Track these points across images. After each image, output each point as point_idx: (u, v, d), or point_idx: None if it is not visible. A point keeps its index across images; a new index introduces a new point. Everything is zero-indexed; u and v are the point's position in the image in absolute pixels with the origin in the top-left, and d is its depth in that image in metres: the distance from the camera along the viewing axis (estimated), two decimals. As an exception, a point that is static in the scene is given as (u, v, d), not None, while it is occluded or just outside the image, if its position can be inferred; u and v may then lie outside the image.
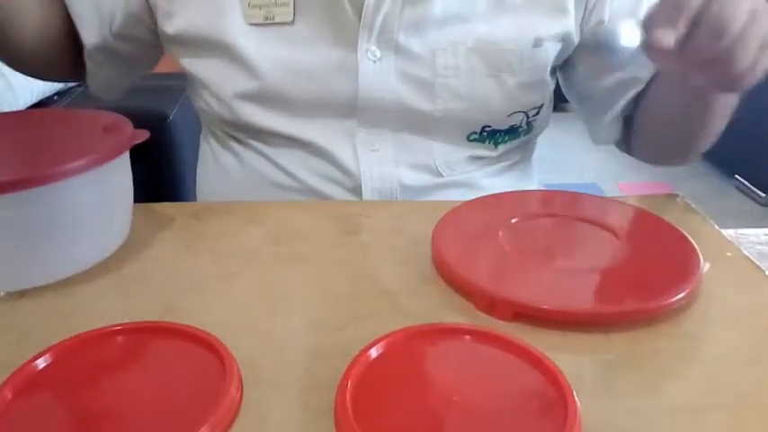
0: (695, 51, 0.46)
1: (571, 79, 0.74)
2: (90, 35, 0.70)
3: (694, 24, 0.45)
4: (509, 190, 0.74)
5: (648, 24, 0.46)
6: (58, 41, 0.70)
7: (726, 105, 0.64)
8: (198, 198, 0.80)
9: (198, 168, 0.80)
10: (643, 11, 0.61)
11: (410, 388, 0.37)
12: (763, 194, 2.54)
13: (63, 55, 0.72)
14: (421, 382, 0.38)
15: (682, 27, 0.45)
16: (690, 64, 0.48)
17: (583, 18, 0.68)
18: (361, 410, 0.35)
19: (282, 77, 0.66)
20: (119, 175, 0.53)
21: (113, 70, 0.75)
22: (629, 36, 0.49)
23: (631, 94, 0.70)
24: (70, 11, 0.69)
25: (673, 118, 0.67)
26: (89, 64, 0.73)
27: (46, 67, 0.73)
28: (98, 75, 0.75)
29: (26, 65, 0.71)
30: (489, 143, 0.72)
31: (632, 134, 0.74)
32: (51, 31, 0.68)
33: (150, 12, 0.69)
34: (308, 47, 0.65)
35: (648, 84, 0.69)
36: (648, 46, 0.46)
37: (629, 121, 0.74)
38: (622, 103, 0.71)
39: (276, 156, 0.70)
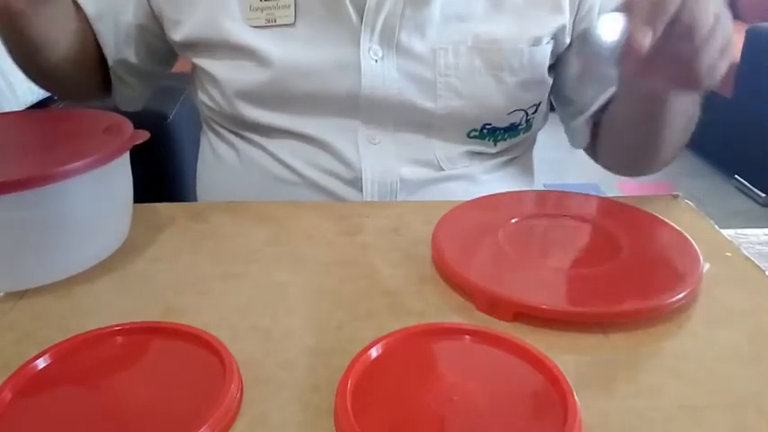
0: (666, 50, 0.49)
1: (558, 79, 0.75)
2: (112, 51, 0.72)
3: (668, 25, 0.47)
4: (508, 184, 0.74)
5: (628, 22, 0.48)
6: (86, 62, 0.71)
7: (684, 115, 0.65)
8: (198, 192, 0.80)
9: (198, 163, 0.81)
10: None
11: (410, 388, 0.37)
12: (763, 194, 2.53)
13: (91, 75, 0.73)
14: (421, 382, 0.38)
15: (659, 29, 0.47)
16: (657, 64, 0.51)
17: (575, 20, 0.70)
18: (361, 410, 0.35)
19: (286, 74, 0.66)
20: (119, 175, 0.53)
21: (135, 83, 0.77)
22: (611, 31, 0.51)
23: (602, 100, 0.71)
24: (94, 29, 0.70)
25: (631, 128, 0.68)
26: (114, 80, 0.75)
27: (77, 88, 0.74)
28: (122, 89, 0.77)
29: (59, 86, 0.73)
30: (489, 140, 0.72)
31: (597, 142, 0.75)
32: (80, 53, 0.69)
33: (158, 22, 0.71)
34: (310, 47, 0.66)
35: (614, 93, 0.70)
36: (626, 45, 0.48)
37: (596, 128, 0.75)
38: (594, 107, 0.72)
39: (275, 149, 0.71)
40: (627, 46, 0.47)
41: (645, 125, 0.66)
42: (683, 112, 0.65)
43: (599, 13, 0.69)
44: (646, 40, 0.46)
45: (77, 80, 0.72)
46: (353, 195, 0.69)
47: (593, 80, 0.71)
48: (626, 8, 0.49)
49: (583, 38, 0.68)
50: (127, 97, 0.79)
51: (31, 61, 0.66)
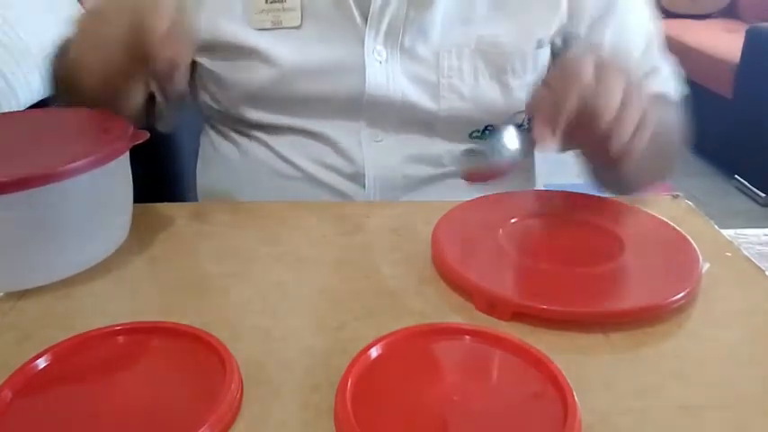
0: (576, 137, 0.52)
1: None
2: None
3: (574, 116, 0.50)
4: (509, 184, 0.74)
5: (532, 119, 0.52)
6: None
7: (655, 143, 0.60)
8: (198, 188, 0.80)
9: (198, 161, 0.81)
10: (610, 26, 0.69)
11: (410, 388, 0.37)
12: (763, 194, 2.53)
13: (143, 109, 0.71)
14: (421, 382, 0.38)
15: (561, 124, 0.50)
16: (575, 141, 0.54)
17: (567, 22, 0.69)
18: (361, 410, 0.35)
19: (291, 74, 0.66)
20: (119, 175, 0.53)
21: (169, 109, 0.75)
22: (511, 141, 0.56)
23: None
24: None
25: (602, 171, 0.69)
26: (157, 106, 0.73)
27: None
28: (161, 112, 0.75)
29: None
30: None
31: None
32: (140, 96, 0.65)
33: None
34: (315, 48, 0.66)
35: None
36: (535, 139, 0.52)
37: None
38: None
39: (277, 145, 0.71)
40: (534, 140, 0.51)
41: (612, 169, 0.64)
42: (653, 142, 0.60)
43: (589, 16, 0.69)
44: (549, 136, 0.51)
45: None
46: (355, 191, 0.70)
47: None
48: (531, 109, 0.53)
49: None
50: (165, 121, 0.76)
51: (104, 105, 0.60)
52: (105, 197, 0.52)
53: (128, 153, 0.53)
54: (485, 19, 0.67)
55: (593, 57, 0.52)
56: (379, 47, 0.66)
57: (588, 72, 0.50)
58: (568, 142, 0.53)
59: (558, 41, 0.70)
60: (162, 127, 0.78)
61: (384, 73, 0.66)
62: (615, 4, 0.69)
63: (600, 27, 0.69)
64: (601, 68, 0.51)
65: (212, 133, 0.77)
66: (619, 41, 0.70)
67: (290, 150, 0.70)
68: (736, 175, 2.70)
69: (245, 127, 0.72)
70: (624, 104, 0.50)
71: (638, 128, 0.52)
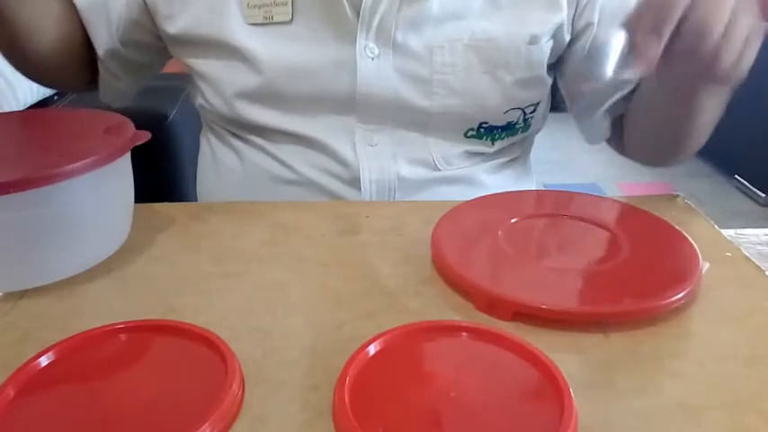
0: (680, 54, 0.48)
1: (563, 78, 0.75)
2: (102, 43, 0.71)
3: (678, 28, 0.46)
4: (507, 185, 0.74)
5: (633, 31, 0.47)
6: (72, 52, 0.71)
7: (714, 105, 0.63)
8: (198, 193, 0.80)
9: (198, 164, 0.81)
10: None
11: (408, 385, 0.37)
12: (763, 194, 2.54)
13: (77, 65, 0.73)
14: (419, 379, 0.38)
15: (666, 34, 0.46)
16: (675, 65, 0.49)
17: (574, 16, 0.69)
18: (359, 407, 0.35)
19: (282, 74, 0.66)
20: (120, 176, 0.53)
21: (124, 77, 0.76)
22: (617, 46, 0.49)
23: (618, 95, 0.70)
24: (84, 20, 0.69)
25: (661, 118, 0.67)
26: (102, 73, 0.74)
27: (61, 78, 0.74)
28: (110, 83, 0.76)
29: (43, 75, 0.72)
30: (486, 139, 0.72)
31: (624, 134, 0.74)
32: (66, 43, 0.68)
33: (150, 17, 0.70)
34: (306, 45, 0.66)
35: (638, 85, 0.69)
36: (635, 54, 0.47)
37: (618, 121, 0.74)
38: (610, 102, 0.71)
39: (275, 149, 0.71)
40: (636, 56, 0.47)
41: (675, 113, 0.64)
42: (715, 104, 0.62)
43: (600, 8, 0.68)
44: (652, 49, 0.46)
45: (64, 70, 0.72)
46: (353, 195, 0.70)
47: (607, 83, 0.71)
48: (631, 20, 0.48)
49: (591, 58, 0.66)
50: (113, 91, 0.77)
51: (16, 49, 0.65)
52: (106, 198, 0.52)
53: (129, 154, 0.53)
54: (479, 13, 0.66)
55: None
56: (371, 43, 0.65)
57: None
58: (667, 64, 0.48)
59: (567, 36, 0.69)
60: (109, 99, 0.78)
61: (376, 70, 0.66)
62: None
63: (619, 14, 0.67)
64: None
65: (211, 137, 0.77)
66: None
67: (287, 155, 0.70)
68: (736, 175, 2.70)
69: (242, 130, 0.72)
70: (734, 16, 0.46)
71: (747, 42, 0.48)
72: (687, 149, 0.69)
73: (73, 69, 0.73)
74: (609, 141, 0.77)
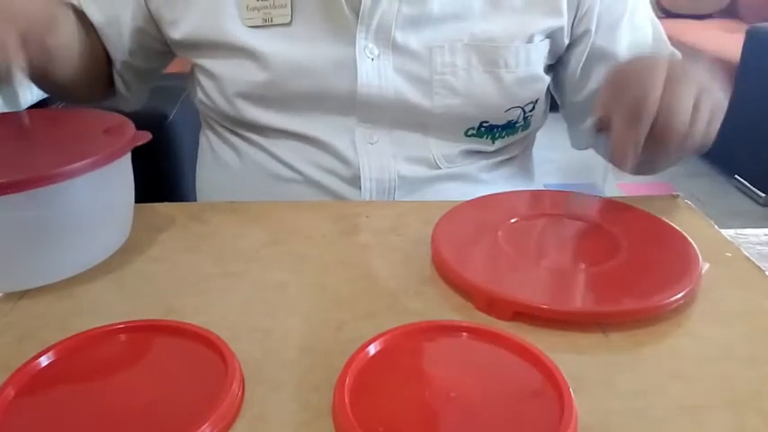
0: (649, 141, 0.51)
1: (557, 86, 0.76)
2: (118, 54, 0.73)
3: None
4: (508, 183, 0.74)
5: (606, 140, 0.53)
6: (95, 71, 0.72)
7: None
8: (197, 191, 0.81)
9: (197, 163, 0.81)
10: (624, 23, 0.69)
11: (408, 384, 0.37)
12: (763, 194, 2.53)
13: (99, 80, 0.74)
14: (419, 379, 0.38)
15: (640, 145, 0.51)
16: (645, 148, 0.53)
17: (573, 22, 0.70)
18: (359, 407, 0.35)
19: (287, 71, 0.66)
20: (120, 176, 0.53)
21: (136, 83, 0.78)
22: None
23: None
24: (101, 36, 0.71)
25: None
26: (118, 82, 0.76)
27: (87, 94, 0.75)
28: (126, 90, 0.78)
29: (72, 94, 0.73)
30: (487, 138, 0.72)
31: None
32: (88, 62, 0.69)
33: (155, 24, 0.71)
34: (306, 45, 0.66)
35: None
36: (613, 156, 0.53)
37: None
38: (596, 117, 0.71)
39: (274, 147, 0.71)
40: (614, 156, 0.52)
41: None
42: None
43: (597, 17, 0.69)
44: (629, 160, 0.51)
45: (90, 87, 0.73)
46: (352, 193, 0.70)
47: (593, 90, 0.72)
48: (599, 126, 0.54)
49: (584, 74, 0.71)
50: (127, 97, 0.79)
51: (49, 78, 0.64)
52: (107, 198, 0.52)
53: (129, 154, 0.53)
54: (480, 14, 0.66)
55: (659, 68, 0.51)
56: (371, 44, 0.66)
57: (659, 87, 0.50)
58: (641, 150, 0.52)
59: (566, 40, 0.70)
60: (125, 105, 0.80)
61: (376, 70, 0.66)
62: (626, 1, 0.70)
63: (616, 23, 0.70)
64: (670, 80, 0.50)
65: (211, 135, 0.77)
66: (634, 37, 0.70)
67: (287, 154, 0.70)
68: (736, 175, 2.70)
69: (242, 128, 0.72)
70: (695, 110, 0.50)
71: (713, 119, 0.52)
72: (671, 166, 0.70)
73: (97, 84, 0.75)
74: (596, 149, 0.77)
